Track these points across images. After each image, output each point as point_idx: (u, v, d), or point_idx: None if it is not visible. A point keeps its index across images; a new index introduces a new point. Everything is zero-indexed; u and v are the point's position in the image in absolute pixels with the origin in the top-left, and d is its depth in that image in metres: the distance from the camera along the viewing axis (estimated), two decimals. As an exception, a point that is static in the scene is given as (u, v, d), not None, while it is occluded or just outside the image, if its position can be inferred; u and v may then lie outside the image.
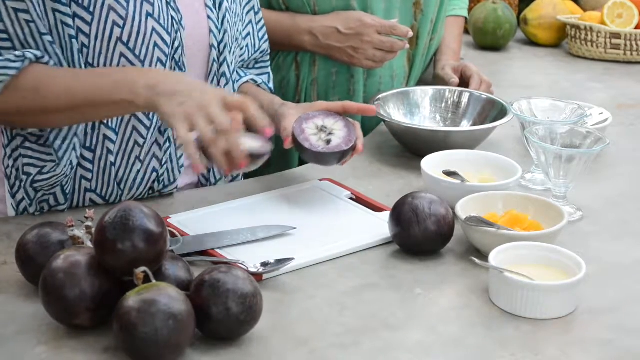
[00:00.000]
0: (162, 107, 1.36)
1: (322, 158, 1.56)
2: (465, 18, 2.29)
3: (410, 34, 1.91)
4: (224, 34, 1.62)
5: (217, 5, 1.61)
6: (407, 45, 1.95)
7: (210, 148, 1.35)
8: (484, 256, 1.35)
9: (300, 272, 1.37)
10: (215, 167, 1.41)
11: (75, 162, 1.51)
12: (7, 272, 1.34)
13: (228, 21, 1.63)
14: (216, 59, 1.62)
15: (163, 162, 1.57)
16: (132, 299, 1.11)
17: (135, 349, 1.11)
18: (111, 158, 1.53)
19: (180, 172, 1.61)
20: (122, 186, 1.56)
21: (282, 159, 1.95)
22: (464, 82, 2.02)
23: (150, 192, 1.59)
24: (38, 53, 1.42)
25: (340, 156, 1.56)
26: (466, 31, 2.79)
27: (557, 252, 1.33)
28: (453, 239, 1.43)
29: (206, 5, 1.60)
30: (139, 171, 1.56)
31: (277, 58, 2.02)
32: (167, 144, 1.57)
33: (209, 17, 1.60)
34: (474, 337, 1.23)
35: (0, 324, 1.22)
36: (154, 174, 1.57)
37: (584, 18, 2.61)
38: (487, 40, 2.63)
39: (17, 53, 1.41)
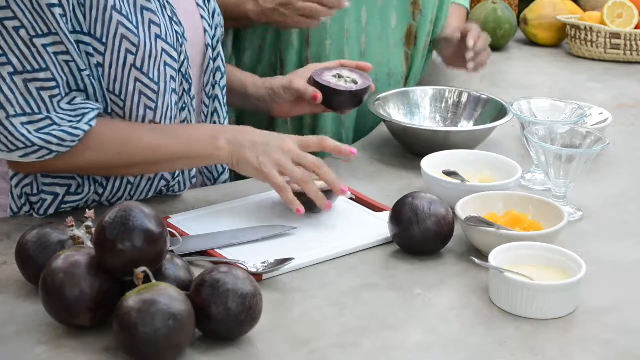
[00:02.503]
0: (248, 157, 1.46)
1: (357, 95, 1.71)
2: (467, 11, 2.27)
3: (345, 4, 1.82)
4: (216, 29, 1.62)
5: (207, 0, 1.61)
6: (330, 13, 1.85)
7: (306, 187, 1.46)
8: (484, 256, 1.35)
9: (300, 272, 1.37)
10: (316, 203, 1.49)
11: (99, 179, 1.51)
12: (7, 272, 1.34)
13: (218, 14, 1.63)
14: (211, 55, 1.62)
15: (175, 174, 1.57)
16: (132, 299, 1.11)
17: (135, 348, 1.11)
18: (130, 177, 1.53)
19: (191, 182, 1.62)
20: (132, 193, 1.56)
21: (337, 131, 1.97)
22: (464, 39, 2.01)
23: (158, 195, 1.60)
24: (97, 106, 1.43)
25: (368, 92, 1.73)
26: (466, 31, 2.79)
27: (557, 252, 1.33)
28: (453, 239, 1.43)
29: (197, 5, 1.60)
30: (153, 184, 1.56)
31: (269, 59, 1.99)
32: None
33: (202, 16, 1.60)
34: (474, 337, 1.23)
35: (0, 324, 1.22)
36: (163, 182, 1.57)
37: (584, 18, 2.61)
38: (487, 40, 2.63)
39: (82, 110, 1.42)
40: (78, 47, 1.41)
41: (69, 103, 1.42)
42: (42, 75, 1.39)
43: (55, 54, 1.39)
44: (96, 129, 1.43)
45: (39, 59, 1.38)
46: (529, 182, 1.69)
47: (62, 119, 1.40)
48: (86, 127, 1.41)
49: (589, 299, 1.30)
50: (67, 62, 1.41)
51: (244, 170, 1.48)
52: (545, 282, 1.27)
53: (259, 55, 2.01)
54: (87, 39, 1.41)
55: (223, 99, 1.66)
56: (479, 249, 1.42)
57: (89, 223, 1.25)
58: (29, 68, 1.38)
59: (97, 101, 1.45)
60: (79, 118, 1.41)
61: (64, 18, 1.38)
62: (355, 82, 1.73)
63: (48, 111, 1.40)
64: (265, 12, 1.87)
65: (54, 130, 1.40)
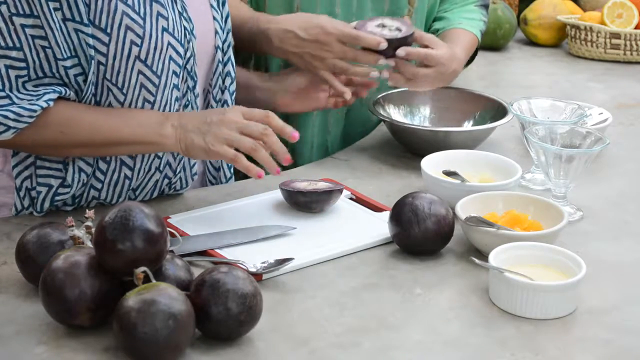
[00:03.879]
0: (195, 141, 1.44)
1: (404, 42, 1.72)
2: (478, 40, 2.01)
3: (384, 45, 1.71)
4: (227, 34, 1.62)
5: (221, 4, 1.61)
6: (385, 75, 1.75)
7: (255, 155, 1.44)
8: (484, 256, 1.35)
9: (300, 272, 1.37)
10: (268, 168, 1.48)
11: (89, 171, 1.50)
12: (7, 272, 1.34)
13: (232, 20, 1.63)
14: (221, 59, 1.62)
15: (177, 171, 1.57)
16: (132, 299, 1.11)
17: (135, 349, 1.11)
18: (126, 171, 1.52)
19: (193, 179, 1.61)
20: (136, 193, 1.56)
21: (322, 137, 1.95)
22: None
23: (160, 194, 1.60)
24: (62, 90, 1.42)
25: (412, 37, 1.75)
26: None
27: (557, 252, 1.33)
28: (453, 239, 1.43)
29: (211, 6, 1.60)
30: (151, 178, 1.55)
31: (256, 62, 1.96)
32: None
33: (214, 17, 1.60)
34: (474, 337, 1.23)
35: (0, 324, 1.22)
36: (166, 180, 1.57)
37: (584, 18, 2.61)
38: (487, 40, 2.63)
39: (44, 90, 1.41)
40: (77, 35, 1.40)
41: (35, 86, 1.41)
42: (14, 53, 1.39)
43: (33, 37, 1.39)
44: (50, 108, 1.41)
45: (14, 37, 1.38)
46: (529, 182, 1.69)
47: (22, 99, 1.39)
48: (43, 104, 1.39)
49: (589, 299, 1.30)
50: (43, 47, 1.40)
51: (195, 155, 1.47)
52: (545, 282, 1.27)
53: (247, 61, 1.97)
54: (88, 29, 1.40)
55: (232, 104, 1.65)
56: (479, 249, 1.42)
57: (89, 223, 1.25)
58: (2, 44, 1.38)
59: (78, 92, 1.44)
60: (38, 97, 1.40)
61: (53, 4, 1.37)
62: (399, 30, 1.74)
63: (10, 89, 1.39)
64: (281, 52, 1.79)
65: (11, 107, 1.38)
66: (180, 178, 1.59)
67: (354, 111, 1.97)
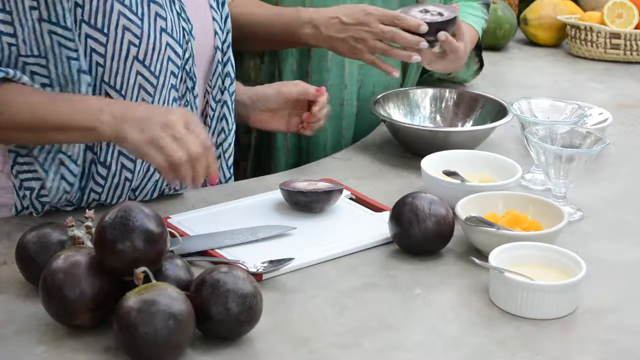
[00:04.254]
0: (127, 134, 1.35)
1: (444, 26, 1.78)
2: (479, 34, 2.07)
3: (424, 28, 1.77)
4: (227, 34, 1.62)
5: (221, 4, 1.61)
6: (416, 58, 1.79)
7: (180, 170, 1.34)
8: (484, 256, 1.35)
9: (300, 272, 1.37)
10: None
11: (71, 179, 1.48)
12: (7, 272, 1.34)
13: (231, 20, 1.63)
14: (220, 59, 1.61)
15: None
16: (132, 299, 1.11)
17: (135, 349, 1.11)
18: (127, 174, 1.52)
19: None
20: (136, 193, 1.55)
21: (295, 151, 1.94)
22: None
23: (160, 194, 1.60)
24: (10, 72, 1.39)
25: (455, 23, 1.79)
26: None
27: (557, 252, 1.33)
28: (453, 239, 1.43)
29: (210, 6, 1.59)
30: (150, 178, 1.55)
31: (269, 67, 1.97)
32: None
33: (213, 18, 1.60)
34: (474, 337, 1.23)
35: (0, 324, 1.22)
36: (165, 181, 1.57)
37: (584, 18, 2.61)
38: (487, 40, 2.63)
39: None
40: (50, 36, 1.39)
41: None
42: None
43: (1, 32, 1.38)
44: None
45: None
46: (529, 182, 1.69)
47: None
48: None
49: (589, 299, 1.30)
50: (9, 44, 1.39)
51: (124, 148, 1.41)
52: (545, 282, 1.27)
53: (258, 65, 1.99)
54: (68, 33, 1.39)
55: (232, 104, 1.65)
56: (479, 249, 1.42)
57: (89, 223, 1.25)
58: None
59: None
60: None
61: (30, 2, 1.37)
62: (441, 14, 1.79)
63: None
64: (326, 40, 1.82)
65: None
66: None
67: (363, 112, 1.98)
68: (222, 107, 1.64)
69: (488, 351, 1.20)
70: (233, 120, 1.66)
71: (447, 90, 1.96)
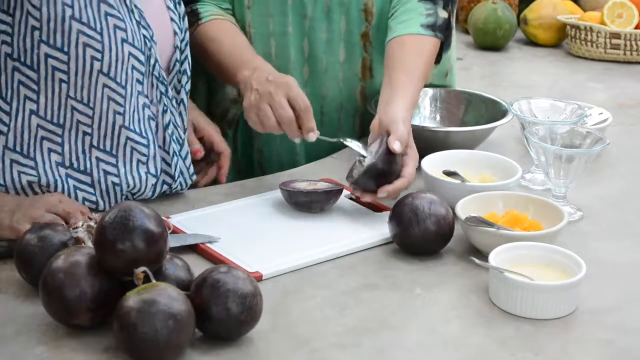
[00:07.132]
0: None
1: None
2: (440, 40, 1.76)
3: (312, 137, 1.57)
4: (185, 32, 1.61)
5: (177, 3, 1.60)
6: (297, 140, 1.59)
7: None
8: (484, 256, 1.35)
9: (300, 272, 1.37)
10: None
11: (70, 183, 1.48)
12: (7, 272, 1.34)
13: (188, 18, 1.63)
14: (178, 58, 1.60)
15: (176, 176, 1.56)
16: (132, 299, 1.11)
17: (135, 349, 1.11)
18: (114, 179, 1.51)
19: (192, 179, 1.61)
20: (135, 197, 1.55)
21: (290, 155, 1.93)
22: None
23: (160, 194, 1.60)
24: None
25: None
26: (466, 31, 2.80)
27: (557, 252, 1.33)
28: (453, 239, 1.43)
29: (168, 7, 1.58)
30: (149, 183, 1.54)
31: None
32: (175, 158, 1.56)
33: (171, 19, 1.58)
34: (474, 337, 1.23)
35: (0, 324, 1.22)
36: (166, 186, 1.57)
37: (584, 18, 2.61)
38: (487, 40, 2.63)
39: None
40: (13, 73, 1.41)
41: None
42: None
43: None
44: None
45: None
46: (529, 182, 1.69)
47: None
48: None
49: (589, 299, 1.30)
50: None
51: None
52: (545, 282, 1.27)
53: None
54: (28, 70, 1.40)
55: (187, 103, 1.62)
56: (479, 249, 1.42)
57: (91, 223, 1.25)
58: None
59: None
60: None
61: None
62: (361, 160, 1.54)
63: None
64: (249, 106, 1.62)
65: None
66: (180, 183, 1.58)
67: (363, 113, 1.98)
68: (178, 105, 1.61)
69: (488, 351, 1.20)
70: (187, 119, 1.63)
71: (447, 90, 1.95)
